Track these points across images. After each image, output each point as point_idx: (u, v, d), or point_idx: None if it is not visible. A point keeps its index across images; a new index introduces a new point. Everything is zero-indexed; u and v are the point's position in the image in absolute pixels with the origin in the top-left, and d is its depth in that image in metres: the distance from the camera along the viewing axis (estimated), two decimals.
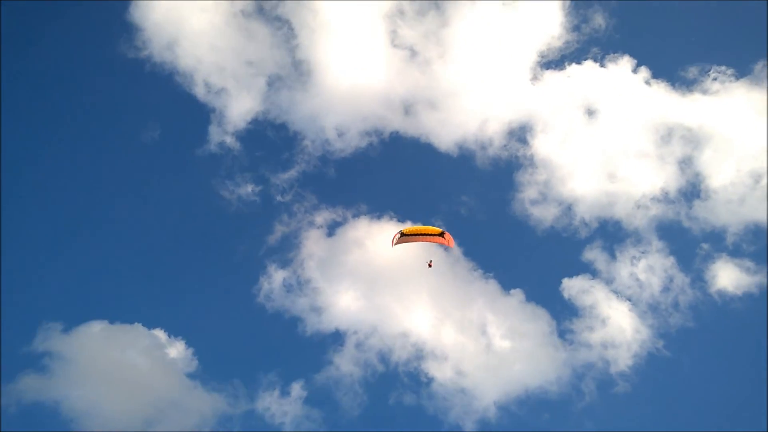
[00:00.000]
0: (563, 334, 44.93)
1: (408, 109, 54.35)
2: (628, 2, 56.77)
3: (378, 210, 50.58)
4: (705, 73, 52.64)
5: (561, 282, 46.74)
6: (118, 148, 52.97)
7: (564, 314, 45.61)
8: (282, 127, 53.14)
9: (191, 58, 52.29)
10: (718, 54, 53.92)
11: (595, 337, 44.25)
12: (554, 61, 55.17)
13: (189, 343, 43.97)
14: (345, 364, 43.99)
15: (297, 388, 42.74)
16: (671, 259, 46.82)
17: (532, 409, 41.69)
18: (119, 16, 52.19)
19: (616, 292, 46.16)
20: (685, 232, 48.11)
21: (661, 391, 42.66)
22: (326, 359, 44.49)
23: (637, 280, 46.40)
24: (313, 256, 48.57)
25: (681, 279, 45.98)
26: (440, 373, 43.44)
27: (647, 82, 53.25)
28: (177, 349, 43.34)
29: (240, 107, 52.40)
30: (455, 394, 42.51)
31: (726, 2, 57.00)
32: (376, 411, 42.53)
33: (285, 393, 42.50)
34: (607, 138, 52.50)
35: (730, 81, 51.95)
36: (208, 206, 51.06)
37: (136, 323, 43.14)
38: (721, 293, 44.71)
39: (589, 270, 47.32)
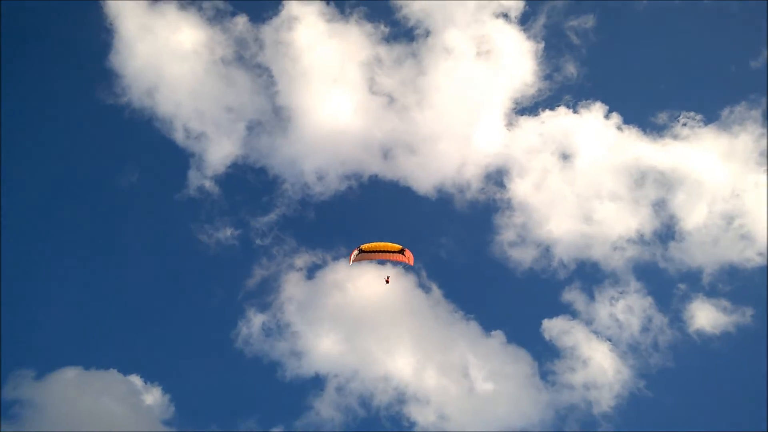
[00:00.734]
0: (545, 375, 45.52)
1: (386, 153, 55.95)
2: (599, 51, 59.84)
3: None
4: (675, 119, 55.09)
5: (541, 323, 47.63)
6: (95, 192, 53.30)
7: (545, 355, 46.34)
8: (261, 171, 54.20)
9: (171, 104, 53.55)
10: (687, 101, 56.82)
11: (577, 378, 44.94)
12: (528, 108, 57.46)
13: (165, 389, 43.64)
14: (325, 409, 43.91)
15: None
16: (649, 300, 48.09)
17: None
18: (99, 63, 53.46)
19: (596, 333, 47.13)
20: (661, 272, 49.54)
21: (645, 430, 43.19)
22: (306, 404, 44.43)
23: (617, 320, 47.48)
24: (292, 300, 48.88)
25: (660, 319, 47.15)
26: (422, 417, 43.55)
27: (619, 128, 55.64)
28: (153, 396, 42.86)
29: (220, 152, 53.44)
30: None
31: (694, 51, 60.44)
32: None
33: None
34: (582, 181, 54.43)
35: (699, 126, 54.44)
36: (187, 250, 51.37)
37: (111, 369, 42.83)
38: (700, 333, 45.94)
39: (568, 311, 48.36)
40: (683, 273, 48.83)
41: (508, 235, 52.49)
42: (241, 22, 56.01)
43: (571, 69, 57.50)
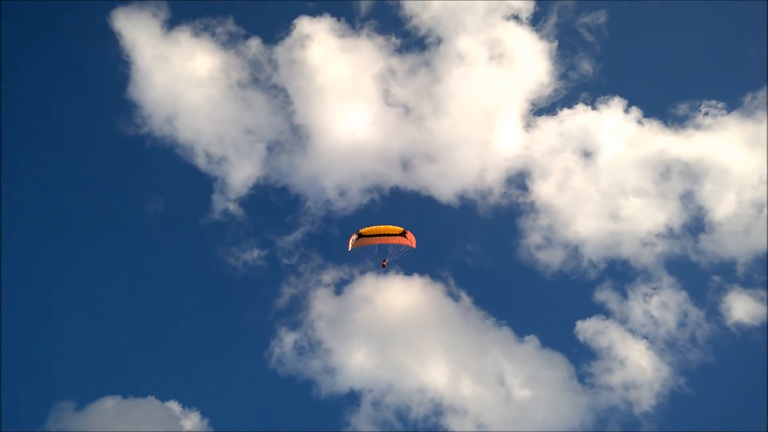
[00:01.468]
0: (583, 378, 45.38)
1: (406, 164, 56.42)
2: (613, 46, 59.82)
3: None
4: (696, 108, 54.95)
5: (575, 325, 47.55)
6: (124, 222, 54.50)
7: (581, 357, 46.24)
8: (284, 191, 55.03)
9: (191, 130, 54.73)
10: (708, 89, 56.75)
11: (616, 378, 44.71)
12: (546, 108, 57.68)
13: (204, 414, 44.37)
14: (363, 424, 44.25)
15: None
16: (683, 294, 47.80)
17: None
18: (119, 96, 54.90)
19: (632, 331, 46.89)
20: (694, 266, 49.25)
21: (689, 429, 42.63)
22: (343, 421, 44.79)
23: (652, 317, 47.20)
24: (322, 316, 49.41)
25: (695, 313, 46.78)
26: (461, 427, 43.65)
27: (639, 122, 55.60)
28: (192, 421, 43.62)
29: (241, 174, 54.44)
30: None
31: (711, 38, 60.15)
32: None
33: None
34: (606, 178, 54.39)
35: (722, 114, 54.21)
36: (216, 274, 52.21)
37: (149, 396, 43.65)
38: (738, 325, 45.43)
39: (601, 311, 48.25)
40: (716, 265, 48.51)
41: (534, 238, 52.69)
42: (254, 44, 57.25)
43: (586, 66, 57.66)
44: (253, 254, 51.77)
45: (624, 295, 48.42)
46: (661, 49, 60.58)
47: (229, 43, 57.22)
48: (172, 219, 54.43)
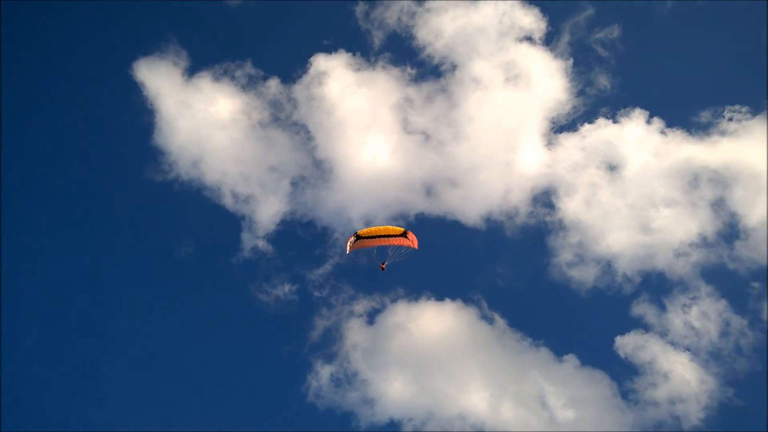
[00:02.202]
0: (626, 394, 44.78)
1: (429, 190, 57.05)
2: (629, 59, 60.32)
3: (415, 292, 51.89)
4: (719, 114, 54.85)
5: (614, 341, 47.10)
6: (155, 268, 55.67)
7: (623, 374, 45.68)
8: (310, 224, 55.91)
9: (217, 172, 56.20)
10: (730, 94, 56.53)
11: (660, 393, 44.02)
12: (566, 125, 58.21)
13: None
14: None
15: None
16: (723, 303, 47.09)
17: None
18: (145, 144, 56.89)
19: (673, 344, 46.25)
20: (731, 273, 48.54)
21: None
22: None
23: (693, 328, 46.56)
24: (357, 347, 49.63)
25: (738, 321, 45.99)
26: None
27: (662, 132, 55.71)
28: None
29: (268, 211, 55.56)
30: None
31: (728, 41, 60.22)
32: None
33: None
34: (634, 191, 54.25)
35: (747, 119, 54.00)
36: (249, 311, 52.90)
37: None
38: None
39: (640, 325, 47.79)
40: (754, 271, 47.77)
41: (565, 256, 52.64)
42: (273, 84, 59.10)
43: (603, 81, 58.20)
44: (285, 289, 52.60)
45: (662, 308, 48.02)
46: (678, 57, 61.09)
47: (249, 85, 59.31)
48: (204, 260, 55.60)
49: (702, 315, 46.72)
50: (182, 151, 56.25)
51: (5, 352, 46.40)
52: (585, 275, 51.10)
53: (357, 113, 59.94)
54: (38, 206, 54.28)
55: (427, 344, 49.04)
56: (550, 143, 57.79)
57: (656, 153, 55.24)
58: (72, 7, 59.85)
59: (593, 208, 54.24)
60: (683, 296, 47.99)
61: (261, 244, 54.20)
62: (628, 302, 49.12)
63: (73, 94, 59.23)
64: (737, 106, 54.30)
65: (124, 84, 57.28)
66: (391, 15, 60.79)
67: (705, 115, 55.05)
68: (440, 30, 60.34)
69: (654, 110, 56.60)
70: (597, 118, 57.51)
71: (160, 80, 57.19)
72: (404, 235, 34.12)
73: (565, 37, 59.55)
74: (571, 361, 46.66)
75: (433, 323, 49.63)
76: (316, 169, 57.28)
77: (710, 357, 44.87)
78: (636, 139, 56.09)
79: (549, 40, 59.66)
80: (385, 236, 34.19)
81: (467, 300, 50.75)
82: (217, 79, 59.05)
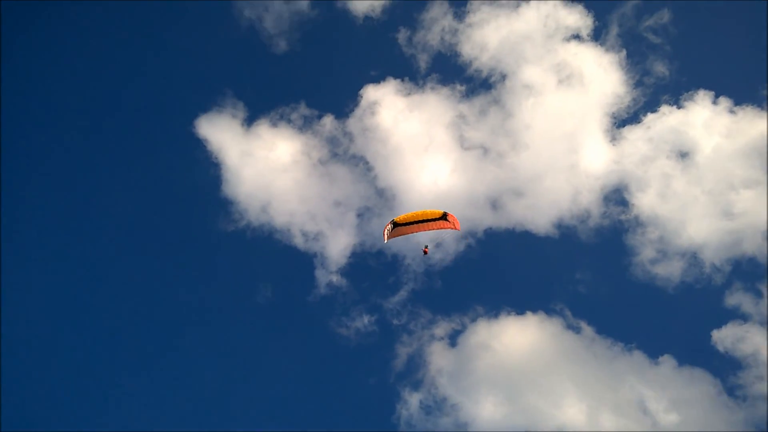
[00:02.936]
0: (732, 391, 42.86)
1: (495, 204, 57.02)
2: (684, 42, 58.67)
3: (494, 309, 51.81)
4: None
5: (711, 336, 45.39)
6: (238, 316, 57.72)
7: (726, 369, 43.89)
8: (380, 254, 56.86)
9: (285, 214, 58.28)
10: None
11: None
12: (629, 118, 57.17)
13: None
14: None
15: None
16: None
17: None
18: (215, 197, 59.54)
19: None
20: None
21: None
22: None
23: None
24: (442, 371, 49.79)
25: None
26: None
27: (731, 111, 53.81)
28: None
29: (338, 245, 56.97)
30: None
31: None
32: None
33: None
34: (709, 176, 52.55)
35: None
36: (331, 347, 54.05)
37: None
38: None
39: (737, 315, 45.84)
40: None
41: (647, 253, 51.28)
42: (328, 121, 60.95)
43: (660, 68, 56.85)
44: (364, 321, 53.50)
45: (758, 294, 45.86)
46: (736, 32, 58.72)
47: (305, 125, 61.40)
48: (283, 302, 57.30)
49: None
50: (250, 199, 58.71)
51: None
52: (670, 271, 49.62)
53: (412, 137, 60.93)
54: (129, 270, 57.38)
55: (513, 361, 48.67)
56: (614, 139, 56.88)
57: (728, 133, 53.36)
58: (132, 79, 63.88)
59: (669, 199, 52.81)
60: None
61: (335, 278, 55.56)
62: (721, 293, 47.41)
63: (145, 157, 62.55)
64: None
65: (189, 141, 60.62)
66: (433, 37, 61.83)
67: None
68: (484, 43, 60.88)
69: (719, 90, 54.97)
70: (660, 107, 56.30)
71: (222, 134, 60.13)
72: (444, 217, 32.30)
73: (614, 30, 58.77)
74: (667, 362, 45.22)
75: (517, 339, 49.25)
76: (379, 198, 58.42)
77: None
78: (704, 122, 54.38)
79: (597, 35, 59.08)
80: (424, 221, 32.56)
81: (549, 311, 50.22)
82: (274, 124, 61.60)
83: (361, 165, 59.66)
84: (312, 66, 66.15)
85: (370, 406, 51.28)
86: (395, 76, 61.82)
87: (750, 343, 43.50)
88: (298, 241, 57.05)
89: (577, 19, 59.26)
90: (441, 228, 32.84)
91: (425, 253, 36.19)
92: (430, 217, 32.14)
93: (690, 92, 55.45)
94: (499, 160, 58.53)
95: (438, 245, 55.15)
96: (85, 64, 61.70)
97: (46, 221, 56.48)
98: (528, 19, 60.90)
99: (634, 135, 56.24)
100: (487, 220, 56.14)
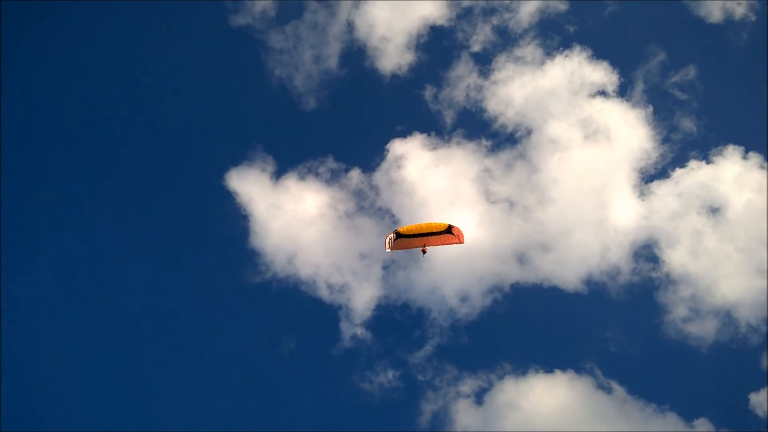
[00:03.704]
0: None
1: (521, 258, 56.79)
2: (711, 97, 59.15)
3: (522, 366, 51.16)
4: None
5: (748, 399, 44.03)
6: (261, 367, 57.78)
7: None
8: (405, 307, 56.82)
9: (310, 266, 58.77)
10: None
11: None
12: (657, 173, 57.24)
13: None
14: None
15: None
16: None
17: None
18: (242, 249, 60.50)
19: None
20: None
21: None
22: None
23: None
24: (468, 430, 48.86)
25: None
26: None
27: (762, 166, 53.68)
28: None
29: (363, 298, 57.15)
30: None
31: None
32: None
33: None
34: (741, 233, 51.94)
35: None
36: (354, 402, 53.55)
37: None
38: None
39: None
40: None
41: (679, 312, 50.50)
42: (355, 175, 62.06)
43: (688, 124, 57.33)
44: (388, 376, 53.12)
45: None
46: (764, 87, 58.94)
47: (332, 179, 62.59)
48: (307, 354, 57.29)
49: None
50: (277, 251, 59.51)
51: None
52: (704, 330, 48.72)
53: (438, 191, 61.63)
54: (155, 318, 58.14)
55: (542, 421, 47.60)
56: (642, 194, 56.83)
57: (759, 188, 52.90)
58: (171, 131, 66.38)
59: (701, 256, 52.24)
60: None
61: (360, 331, 55.57)
62: (758, 354, 46.27)
63: (176, 207, 64.20)
64: None
65: (220, 194, 62.07)
66: (458, 93, 63.32)
67: None
68: (510, 99, 62.05)
69: (749, 144, 54.94)
70: (688, 162, 56.37)
71: (251, 186, 61.52)
72: (449, 231, 32.56)
73: (639, 86, 59.65)
74: (703, 425, 43.91)
75: (546, 398, 48.35)
76: (405, 251, 58.53)
77: None
78: (735, 177, 54.23)
79: (623, 91, 59.93)
80: (428, 234, 32.81)
81: (579, 370, 49.39)
82: (302, 177, 62.95)
83: (386, 218, 60.48)
84: (340, 122, 67.96)
85: None
86: (421, 131, 63.25)
87: None
88: (323, 293, 57.51)
89: (603, 75, 60.38)
90: (445, 243, 33.21)
91: (424, 252, 36.12)
92: (435, 230, 32.50)
93: (719, 147, 55.73)
94: (526, 214, 58.88)
95: (464, 300, 55.96)
96: (126, 119, 64.69)
97: (76, 265, 58.19)
98: (553, 75, 62.21)
99: (663, 190, 56.25)
100: (513, 274, 56.08)
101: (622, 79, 59.92)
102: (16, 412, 46.63)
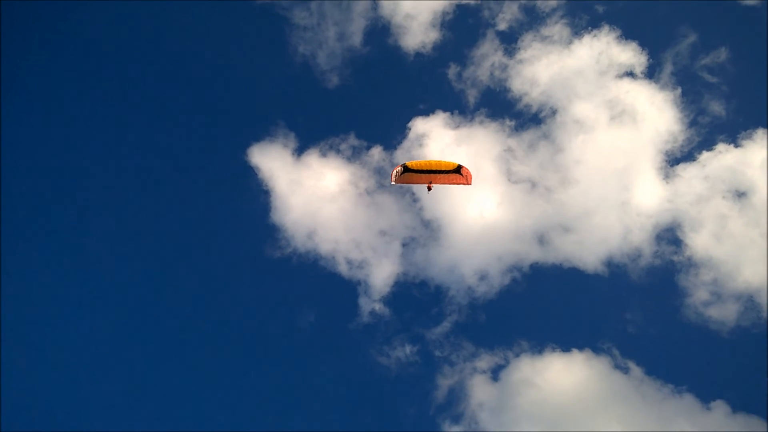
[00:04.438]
0: None
1: (541, 239, 57.30)
2: (742, 81, 58.42)
3: (539, 344, 51.85)
4: None
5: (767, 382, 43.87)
6: (280, 339, 59.09)
7: None
8: (423, 284, 57.67)
9: (330, 242, 59.90)
10: None
11: None
12: (683, 156, 57.07)
13: None
14: None
15: None
16: None
17: None
18: (263, 223, 61.76)
19: None
20: None
21: None
22: None
23: None
24: (483, 406, 49.69)
25: None
26: None
27: None
28: None
29: (382, 274, 58.13)
30: None
31: None
32: None
33: None
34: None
35: None
36: (371, 375, 54.62)
37: None
38: None
39: None
40: None
41: (699, 295, 50.59)
42: (376, 152, 62.81)
43: (716, 107, 56.91)
44: (405, 351, 54.03)
45: None
46: None
47: (354, 156, 63.43)
48: (325, 328, 58.44)
49: None
50: (297, 226, 60.65)
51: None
52: (725, 314, 48.75)
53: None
54: (175, 292, 59.75)
55: (558, 399, 48.19)
56: (667, 177, 56.72)
57: None
58: (195, 108, 67.59)
59: (724, 241, 52.15)
60: None
61: (378, 307, 56.49)
62: None
63: (199, 183, 65.57)
64: None
65: (242, 169, 63.38)
66: (482, 72, 63.53)
67: None
68: (535, 78, 62.17)
69: None
70: (716, 145, 56.02)
71: (273, 162, 62.63)
72: (458, 171, 31.99)
73: (668, 68, 59.31)
74: (720, 407, 44.12)
75: (562, 376, 48.87)
76: (425, 229, 59.49)
77: None
78: (763, 162, 53.61)
79: (651, 73, 59.66)
80: (436, 171, 32.23)
81: (597, 349, 49.83)
82: (323, 154, 63.86)
83: (407, 196, 61.22)
84: (362, 99, 68.70)
85: None
86: (444, 110, 63.75)
87: None
88: (343, 269, 58.50)
89: (631, 56, 60.18)
90: (453, 182, 32.67)
91: (429, 189, 35.77)
92: (443, 168, 31.91)
93: (748, 131, 55.27)
94: (548, 194, 59.21)
95: (482, 278, 56.49)
96: (150, 94, 65.96)
97: (92, 240, 59.56)
98: (581, 55, 62.10)
99: (688, 173, 56.14)
100: (533, 254, 56.54)
101: (650, 60, 59.85)
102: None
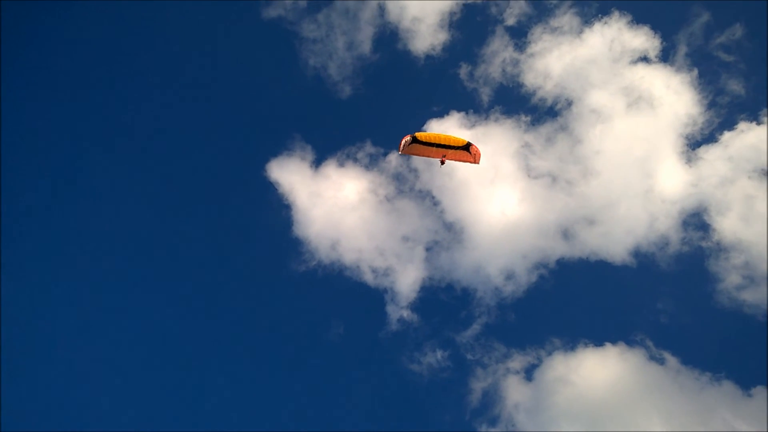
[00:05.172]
0: None
1: (566, 233, 57.29)
2: (760, 57, 57.61)
3: (571, 341, 51.85)
4: None
5: None
6: (311, 354, 59.78)
7: None
8: (450, 288, 57.98)
9: (354, 251, 60.45)
10: None
11: None
12: (705, 138, 56.65)
13: None
14: None
15: None
16: None
17: None
18: (286, 237, 62.47)
19: None
20: None
21: None
22: None
23: None
24: (518, 407, 49.85)
25: None
26: None
27: None
28: None
29: (407, 280, 58.55)
30: None
31: None
32: None
33: None
34: None
35: None
36: (404, 383, 55.01)
37: None
38: None
39: None
40: None
41: (732, 280, 50.19)
42: (393, 158, 63.29)
43: (735, 86, 56.39)
44: (437, 356, 54.36)
45: None
46: None
47: (371, 163, 64.04)
48: (355, 339, 59.01)
49: None
50: (320, 238, 61.28)
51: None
52: (759, 297, 48.24)
53: (477, 169, 62.08)
54: (204, 310, 60.74)
55: (595, 395, 48.14)
56: (689, 160, 56.35)
57: None
58: (212, 128, 68.67)
59: (752, 222, 51.55)
60: None
61: (406, 314, 56.90)
62: None
63: (220, 201, 66.45)
64: None
65: (262, 185, 64.26)
66: (494, 69, 63.63)
67: None
68: (548, 71, 62.12)
69: None
70: (737, 124, 55.51)
71: (292, 176, 63.42)
72: (467, 148, 32.16)
73: (683, 50, 58.87)
74: (761, 393, 43.73)
75: (597, 371, 48.84)
76: (447, 232, 59.80)
77: None
78: None
79: (666, 56, 59.27)
80: (445, 146, 32.20)
81: (630, 342, 49.74)
82: (341, 164, 64.54)
83: (427, 200, 61.58)
84: (376, 106, 69.17)
85: None
86: (458, 110, 63.97)
87: None
88: (368, 278, 59.03)
89: (644, 40, 59.91)
90: (460, 159, 32.93)
91: (442, 163, 35.70)
92: (452, 144, 32.05)
93: None
94: (569, 188, 59.13)
95: (509, 278, 56.60)
96: (172, 112, 67.20)
97: (121, 258, 60.62)
98: (592, 44, 61.91)
99: (711, 155, 55.74)
100: (558, 249, 56.55)
101: (664, 43, 59.51)
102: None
